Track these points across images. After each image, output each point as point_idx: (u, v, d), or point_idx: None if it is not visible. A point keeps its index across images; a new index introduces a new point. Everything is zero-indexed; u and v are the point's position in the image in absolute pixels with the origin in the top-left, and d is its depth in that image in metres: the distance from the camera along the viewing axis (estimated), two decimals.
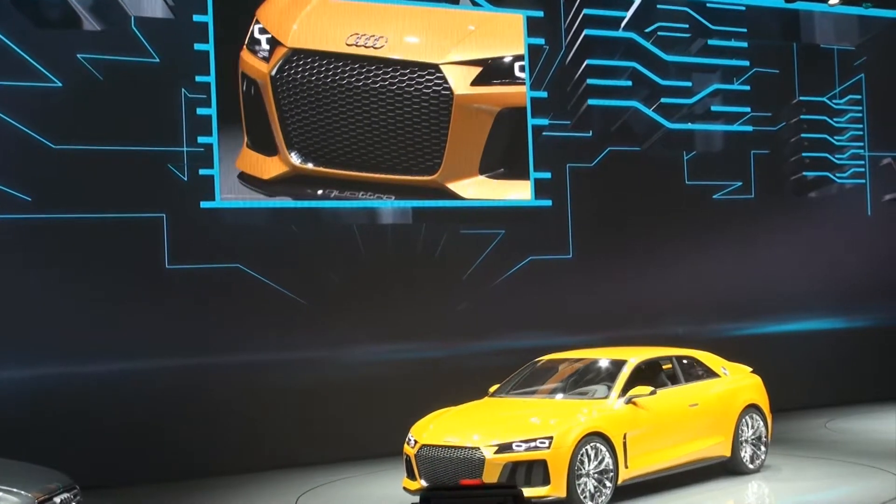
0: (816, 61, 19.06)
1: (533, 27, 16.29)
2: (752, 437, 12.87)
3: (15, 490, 8.16)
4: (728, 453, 12.61)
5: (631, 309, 17.04)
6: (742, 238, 18.24)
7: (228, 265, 14.61)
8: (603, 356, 12.65)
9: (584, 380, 12.44)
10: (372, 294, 15.45)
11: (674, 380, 12.50)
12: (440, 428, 11.47)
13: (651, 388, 11.78)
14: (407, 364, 15.57)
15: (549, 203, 16.51)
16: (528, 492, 10.00)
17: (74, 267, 13.73)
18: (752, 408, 12.96)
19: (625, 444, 11.35)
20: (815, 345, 18.37)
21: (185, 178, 14.33)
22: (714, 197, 18.08)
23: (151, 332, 14.08)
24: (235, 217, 14.69)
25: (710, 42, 18.01)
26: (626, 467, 11.37)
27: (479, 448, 10.84)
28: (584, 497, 10.87)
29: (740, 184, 18.27)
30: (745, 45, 18.31)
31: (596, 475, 11.04)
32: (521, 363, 13.39)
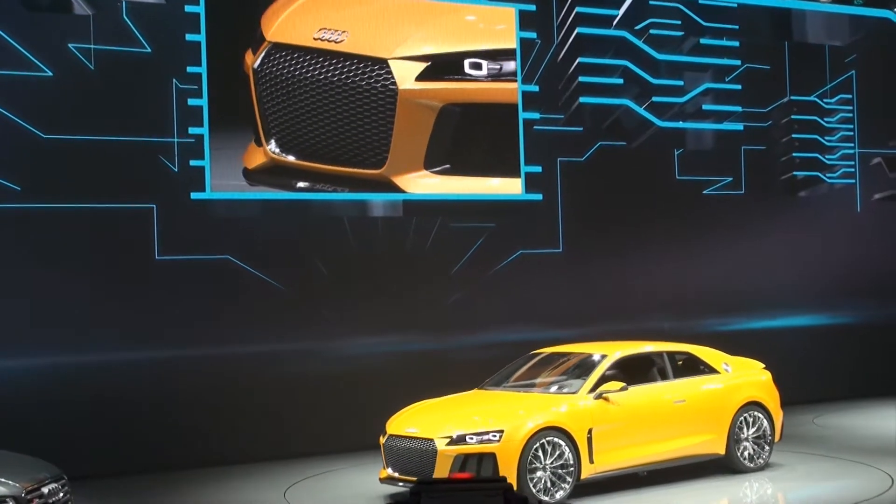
0: (808, 59, 19.09)
1: (525, 21, 16.32)
2: (754, 435, 12.64)
3: (3, 480, 8.19)
4: (722, 451, 12.45)
5: (620, 303, 17.07)
6: (732, 234, 18.29)
7: (218, 256, 14.59)
8: (591, 350, 12.67)
9: (565, 374, 12.50)
10: (362, 286, 15.45)
11: (662, 375, 12.45)
12: (406, 419, 11.81)
13: (622, 384, 11.78)
14: (396, 356, 15.58)
15: (539, 197, 16.53)
16: None
17: (64, 257, 13.70)
18: (754, 405, 12.73)
19: (590, 439, 11.41)
20: (803, 341, 18.43)
21: (176, 169, 14.30)
22: (704, 192, 18.11)
23: (140, 323, 14.07)
24: (226, 208, 14.67)
25: (702, 41, 18.02)
26: (592, 462, 11.43)
27: (432, 440, 11.12)
28: (539, 491, 10.93)
29: (731, 179, 18.30)
30: (736, 43, 18.32)
31: (554, 469, 11.12)
32: (510, 356, 13.43)
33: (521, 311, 16.42)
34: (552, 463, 11.13)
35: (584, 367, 12.33)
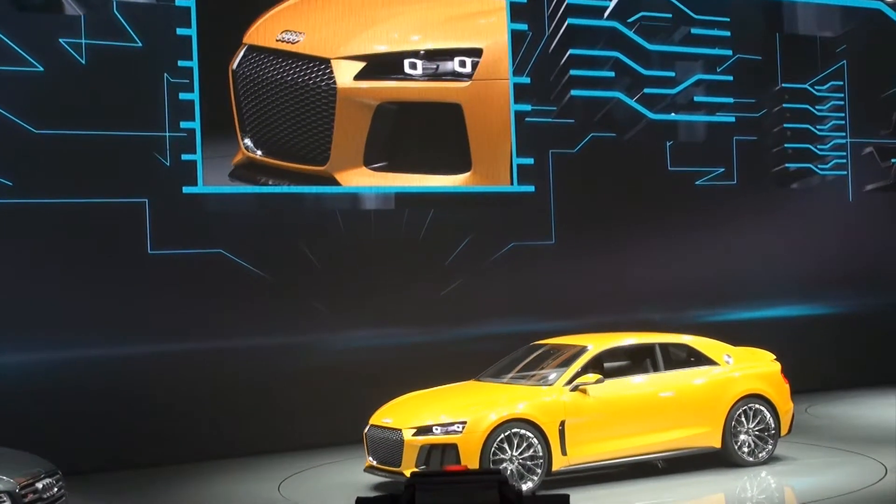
0: (799, 50, 19.10)
1: (516, 13, 16.33)
2: (755, 428, 12.43)
3: None
4: (718, 444, 12.28)
5: (612, 294, 17.08)
6: (724, 225, 18.31)
7: (211, 250, 14.58)
8: (585, 342, 12.63)
9: (551, 365, 12.45)
10: (355, 280, 15.45)
11: (653, 368, 12.39)
12: (386, 409, 12.11)
13: (598, 377, 11.81)
14: (390, 349, 15.59)
15: (531, 189, 16.54)
16: None
17: (56, 252, 13.68)
18: (755, 398, 12.50)
19: (562, 431, 11.46)
20: (794, 331, 18.44)
21: (168, 164, 14.29)
22: (696, 183, 18.13)
23: (133, 318, 14.05)
24: (218, 202, 14.67)
25: (694, 31, 18.02)
26: (565, 454, 11.49)
27: (400, 430, 11.42)
28: None
29: (723, 170, 18.32)
30: (727, 34, 18.33)
31: (522, 461, 11.22)
32: (503, 348, 13.50)
33: (514, 303, 16.44)
34: (520, 454, 11.25)
35: (572, 358, 12.29)
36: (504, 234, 16.45)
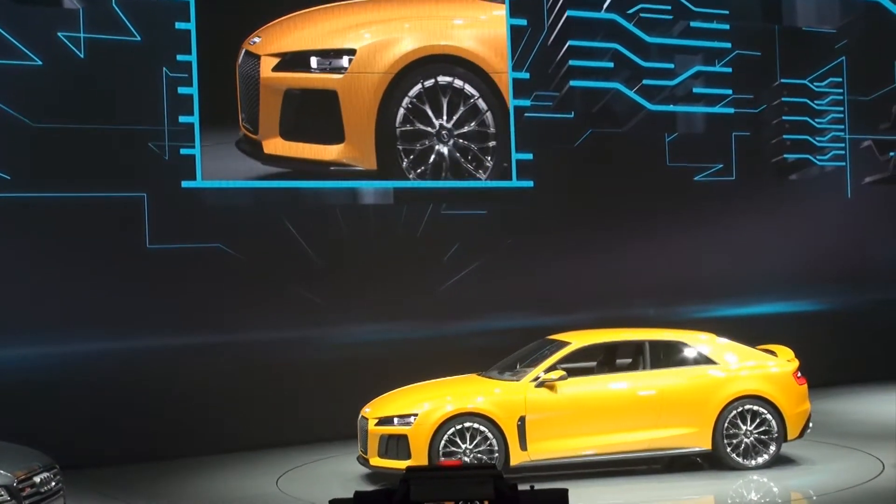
0: (798, 43, 19.09)
1: (515, 8, 16.34)
2: (754, 430, 11.97)
3: None
4: (708, 446, 11.97)
5: (611, 289, 17.06)
6: (723, 220, 18.29)
7: (209, 245, 14.59)
8: (587, 339, 12.57)
9: (537, 360, 12.36)
10: (354, 274, 15.46)
11: (640, 365, 12.25)
12: (374, 401, 12.40)
13: (562, 373, 11.84)
14: (389, 343, 15.61)
15: (530, 184, 16.53)
16: (392, 463, 11.60)
17: (54, 246, 13.68)
18: (753, 399, 12.03)
19: (521, 427, 11.57)
20: (792, 326, 18.40)
21: (167, 158, 14.29)
22: (695, 179, 18.12)
23: (132, 312, 14.06)
24: (216, 197, 14.67)
25: (693, 24, 18.01)
26: (525, 450, 11.59)
27: (367, 420, 11.91)
28: None
29: (721, 166, 18.32)
30: (727, 27, 18.32)
31: (478, 455, 11.43)
32: (502, 342, 13.64)
33: (513, 297, 16.43)
34: (475, 448, 11.45)
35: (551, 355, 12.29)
36: (503, 229, 16.45)
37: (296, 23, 13.59)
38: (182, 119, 14.34)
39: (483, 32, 14.06)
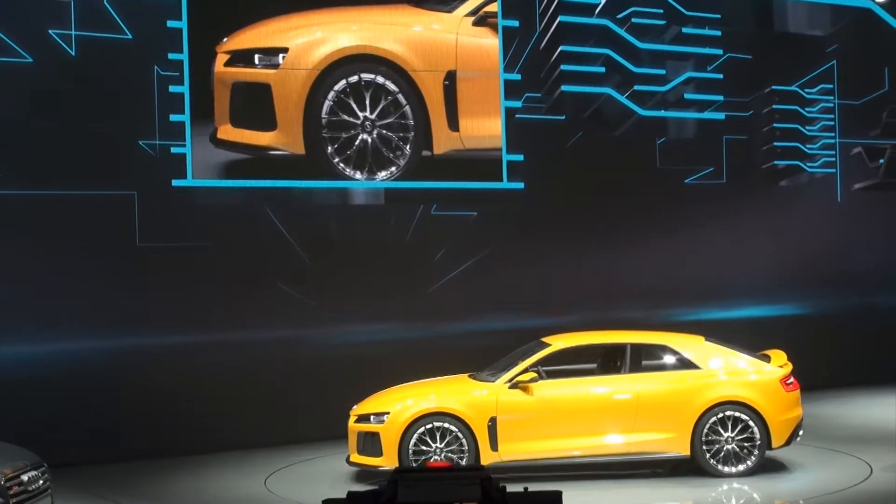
0: (789, 49, 19.13)
1: (507, 9, 16.35)
2: (736, 437, 11.80)
3: None
4: (686, 451, 11.83)
5: (600, 291, 17.08)
6: (713, 223, 18.31)
7: (199, 244, 14.57)
8: (558, 341, 12.52)
9: (516, 362, 12.37)
10: (344, 275, 15.45)
11: (620, 368, 12.19)
12: (365, 400, 12.51)
13: (534, 375, 11.91)
14: (379, 344, 15.60)
15: (521, 186, 16.54)
16: (368, 460, 11.96)
17: (44, 244, 13.64)
18: (734, 405, 11.82)
19: (492, 427, 11.68)
20: (780, 330, 18.42)
21: (157, 156, 14.26)
22: (686, 182, 18.15)
23: (121, 311, 14.03)
24: (207, 196, 14.66)
25: (684, 30, 18.03)
26: (496, 450, 11.70)
27: (350, 417, 12.18)
28: None
29: (712, 169, 18.34)
30: (718, 32, 18.34)
31: (448, 454, 11.63)
32: (493, 344, 13.69)
33: (503, 299, 16.43)
34: (446, 447, 11.65)
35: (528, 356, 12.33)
36: (493, 231, 16.45)
37: (255, 25, 14.57)
38: (173, 118, 14.32)
39: (406, 35, 14.85)
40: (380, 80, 14.65)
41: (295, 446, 14.39)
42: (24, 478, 8.44)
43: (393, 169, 15.00)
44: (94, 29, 13.87)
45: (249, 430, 14.64)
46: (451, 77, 15.12)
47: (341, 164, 14.69)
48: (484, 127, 15.64)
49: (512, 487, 5.70)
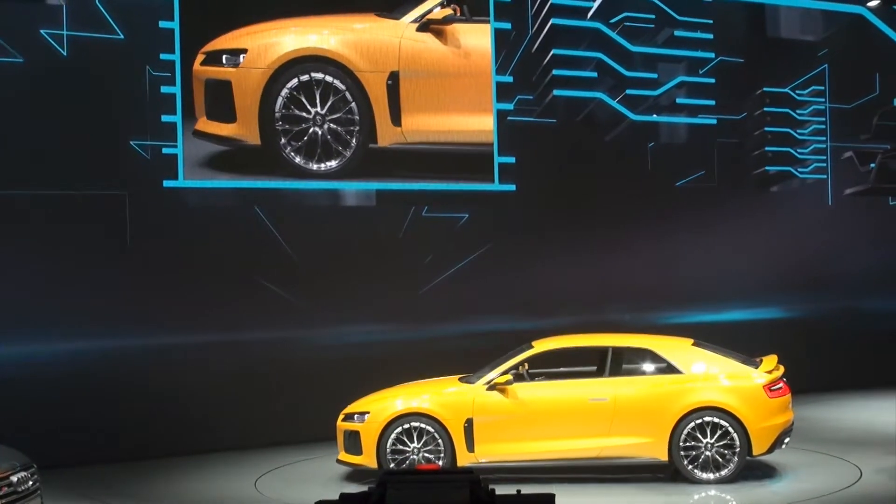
0: (781, 53, 19.17)
1: (500, 11, 16.37)
2: (719, 443, 11.61)
3: None
4: (664, 456, 11.71)
5: (591, 294, 17.10)
6: (704, 227, 18.33)
7: (190, 245, 14.56)
8: (540, 345, 12.53)
9: (497, 364, 12.42)
10: (335, 276, 15.45)
11: (599, 371, 12.22)
12: (359, 400, 12.69)
13: (509, 377, 12.00)
14: (370, 345, 15.60)
15: (513, 188, 16.56)
16: (351, 458, 12.21)
17: (35, 244, 13.62)
18: (714, 410, 11.65)
19: (469, 429, 11.81)
20: (771, 333, 18.44)
21: (149, 157, 14.25)
22: (677, 185, 18.18)
23: (113, 311, 14.01)
24: (198, 196, 14.65)
25: (676, 33, 18.06)
26: (472, 451, 11.83)
27: (340, 416, 12.40)
28: None
29: (703, 172, 18.37)
30: (710, 36, 18.37)
31: (426, 454, 11.82)
32: (484, 346, 13.73)
33: (495, 301, 16.45)
34: (423, 447, 11.83)
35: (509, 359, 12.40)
36: (485, 233, 16.46)
37: (238, 29, 15.21)
38: (164, 118, 14.32)
39: (353, 38, 15.64)
40: (329, 79, 15.43)
41: (288, 447, 14.39)
42: (14, 478, 8.41)
43: (340, 159, 15.68)
44: (86, 29, 13.86)
45: (242, 431, 14.63)
46: (394, 77, 15.72)
47: (292, 154, 15.37)
48: (426, 122, 16.08)
49: (501, 490, 5.70)
